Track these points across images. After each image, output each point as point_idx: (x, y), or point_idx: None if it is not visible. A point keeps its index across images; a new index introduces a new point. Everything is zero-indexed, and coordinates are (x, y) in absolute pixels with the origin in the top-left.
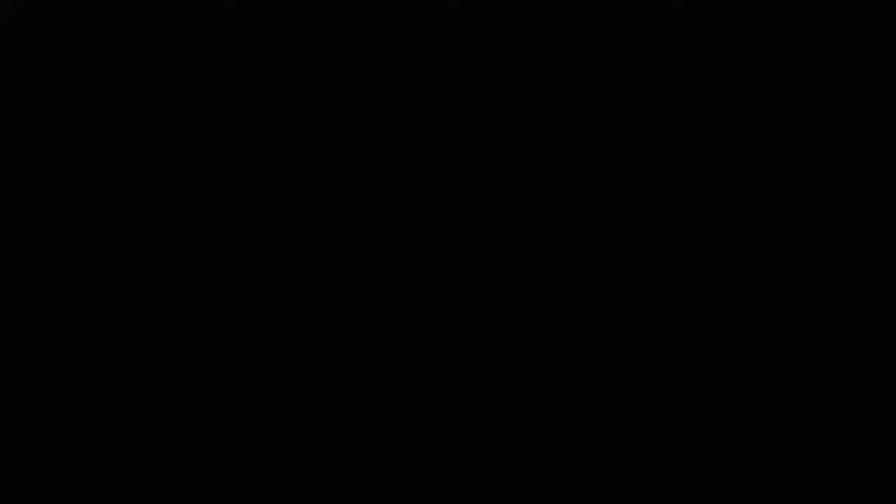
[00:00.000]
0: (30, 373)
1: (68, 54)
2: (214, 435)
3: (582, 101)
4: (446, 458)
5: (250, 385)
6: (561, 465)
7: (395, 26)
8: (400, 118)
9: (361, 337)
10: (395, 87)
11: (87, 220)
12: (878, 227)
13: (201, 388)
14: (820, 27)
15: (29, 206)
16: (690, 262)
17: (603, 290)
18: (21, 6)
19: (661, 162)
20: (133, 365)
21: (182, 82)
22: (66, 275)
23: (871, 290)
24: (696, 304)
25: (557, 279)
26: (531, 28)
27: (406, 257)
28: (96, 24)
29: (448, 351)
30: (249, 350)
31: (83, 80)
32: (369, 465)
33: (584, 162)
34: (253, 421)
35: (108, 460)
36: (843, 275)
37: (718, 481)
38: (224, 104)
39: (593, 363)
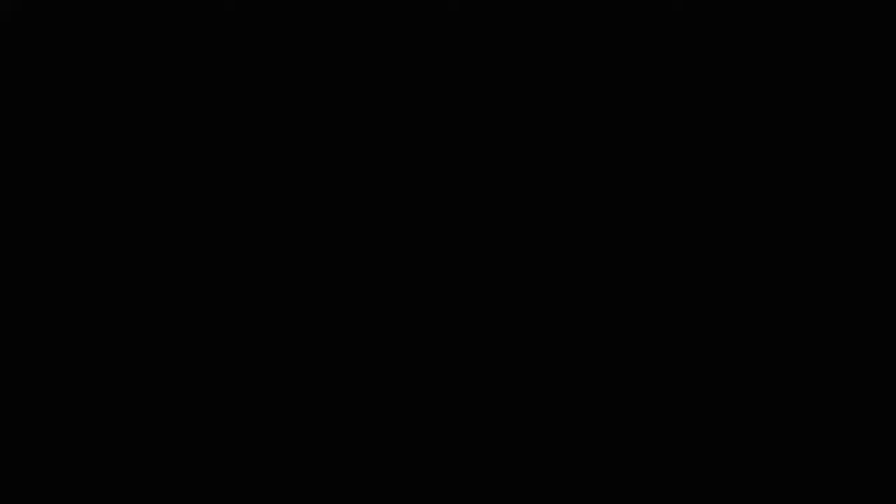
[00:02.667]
0: (30, 375)
1: (68, 54)
2: (214, 435)
3: (582, 102)
4: (446, 458)
5: (250, 387)
6: (561, 467)
7: (395, 26)
8: (400, 118)
9: (361, 337)
10: (396, 87)
11: (88, 221)
12: (879, 227)
13: (201, 390)
14: (819, 28)
15: (29, 206)
16: (691, 261)
17: (602, 291)
18: (21, 6)
19: (662, 162)
20: (132, 366)
21: (181, 82)
22: (65, 275)
23: (870, 292)
24: (695, 304)
25: (557, 279)
26: (531, 28)
27: (406, 257)
28: (96, 23)
29: (447, 351)
30: (249, 351)
31: (83, 81)
32: (369, 467)
33: (583, 162)
34: (253, 423)
35: (107, 461)
36: (842, 278)
37: (719, 483)
38: (224, 104)
39: (593, 364)
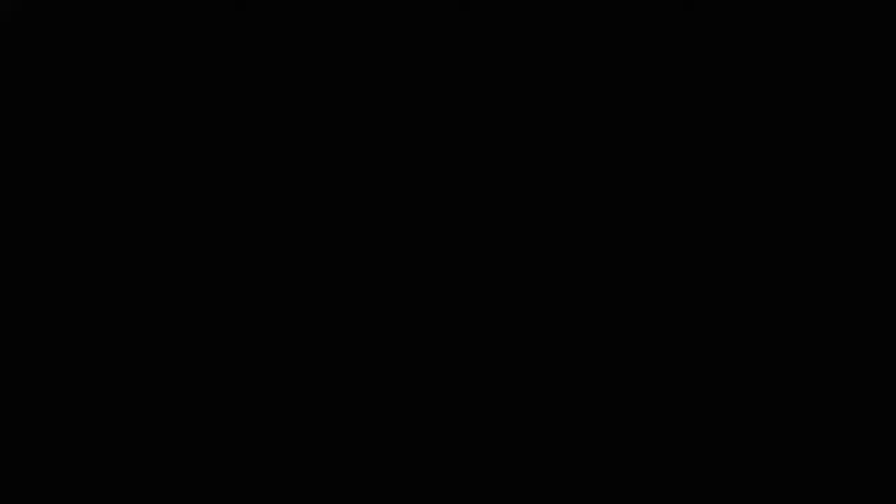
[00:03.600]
0: (29, 374)
1: (69, 54)
2: (214, 436)
3: (583, 100)
4: (446, 458)
5: (250, 387)
6: (561, 467)
7: (395, 24)
8: (401, 118)
9: (361, 338)
10: (396, 86)
11: (88, 222)
12: (879, 228)
13: (201, 391)
14: (820, 28)
15: (29, 207)
16: (690, 262)
17: (603, 292)
18: (21, 6)
19: (662, 161)
20: (132, 366)
21: (183, 82)
22: (65, 276)
23: (872, 292)
24: (696, 305)
25: (558, 279)
26: (538, 34)
27: (406, 258)
28: (97, 23)
29: (448, 351)
30: (249, 350)
31: (84, 81)
32: (368, 466)
33: (583, 162)
34: (252, 423)
35: (106, 462)
36: (844, 276)
37: (719, 483)
38: (225, 104)
39: (593, 365)
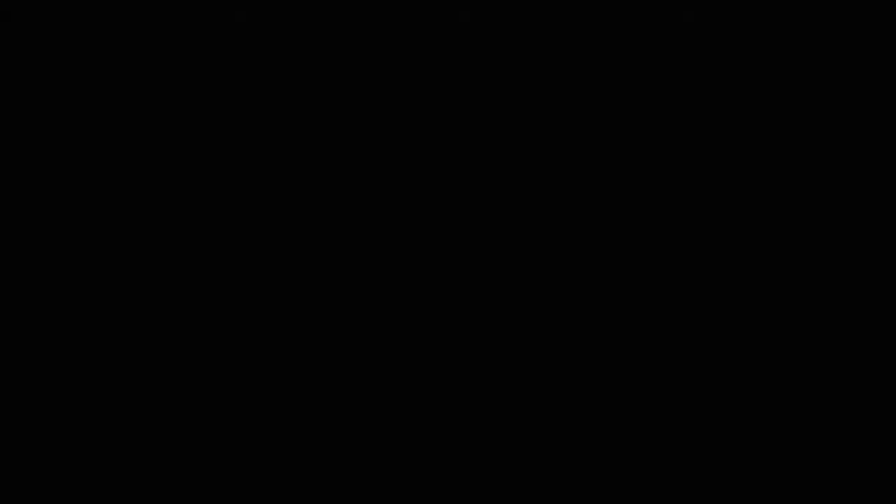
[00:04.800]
0: (31, 374)
1: (73, 54)
2: (215, 436)
3: (590, 109)
4: (446, 459)
5: (250, 385)
6: (560, 467)
7: (407, 37)
8: (411, 125)
9: (361, 337)
10: (408, 95)
11: (88, 221)
12: (878, 227)
13: (201, 389)
14: (828, 37)
15: (29, 206)
16: (691, 262)
17: (603, 291)
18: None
19: (669, 166)
20: (133, 365)
21: (186, 87)
22: (65, 275)
23: (871, 290)
24: (695, 305)
25: (558, 279)
26: (542, 39)
27: (408, 258)
28: (103, 26)
29: (448, 350)
30: (249, 350)
31: (87, 82)
32: (369, 466)
33: (590, 168)
34: (253, 423)
35: (108, 461)
36: (843, 275)
37: (718, 482)
38: (229, 108)
39: (593, 363)
